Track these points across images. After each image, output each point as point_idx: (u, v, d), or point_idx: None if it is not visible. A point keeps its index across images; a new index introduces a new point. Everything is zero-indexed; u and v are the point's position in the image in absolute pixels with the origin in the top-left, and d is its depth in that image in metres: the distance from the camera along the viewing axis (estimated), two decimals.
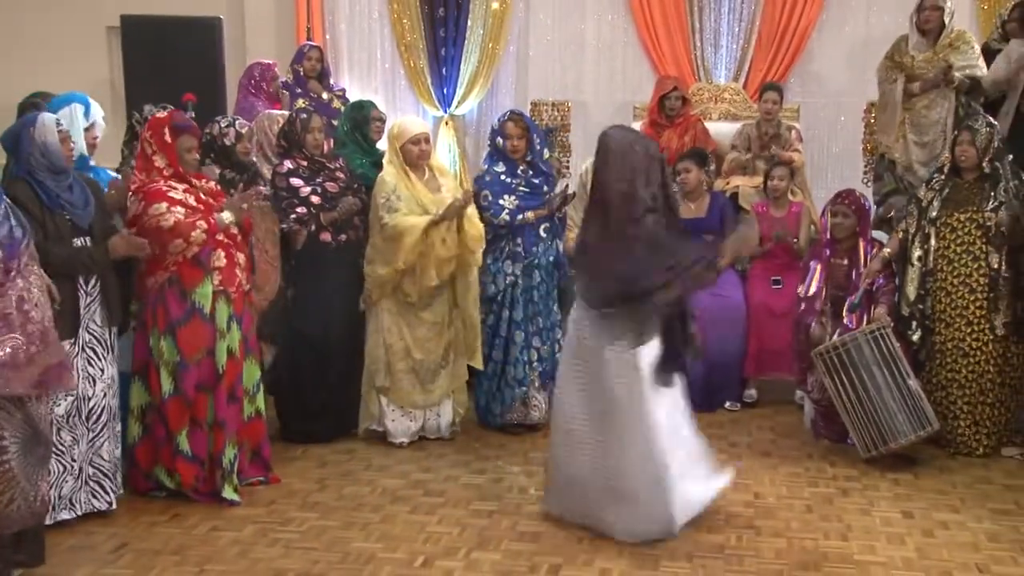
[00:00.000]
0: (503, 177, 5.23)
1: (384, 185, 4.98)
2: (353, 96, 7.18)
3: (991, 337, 4.91)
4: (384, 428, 5.13)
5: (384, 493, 4.50)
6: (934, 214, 5.04)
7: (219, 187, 4.59)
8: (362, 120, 5.54)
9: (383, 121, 5.67)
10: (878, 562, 3.80)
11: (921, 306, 5.02)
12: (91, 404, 4.10)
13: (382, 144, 5.53)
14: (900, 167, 6.09)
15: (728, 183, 6.44)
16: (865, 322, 4.96)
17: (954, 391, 4.97)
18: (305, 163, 5.09)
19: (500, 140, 5.25)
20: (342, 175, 5.19)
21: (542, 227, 5.27)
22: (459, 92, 8.00)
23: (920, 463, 4.81)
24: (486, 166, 5.36)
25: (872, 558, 3.83)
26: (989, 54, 6.10)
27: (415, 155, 5.02)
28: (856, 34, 7.65)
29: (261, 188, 4.82)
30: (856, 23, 7.68)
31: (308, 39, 7.63)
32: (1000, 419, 4.98)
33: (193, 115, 5.16)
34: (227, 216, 4.35)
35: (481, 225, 5.07)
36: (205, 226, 4.26)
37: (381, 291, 5.03)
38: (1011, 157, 5.00)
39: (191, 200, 4.32)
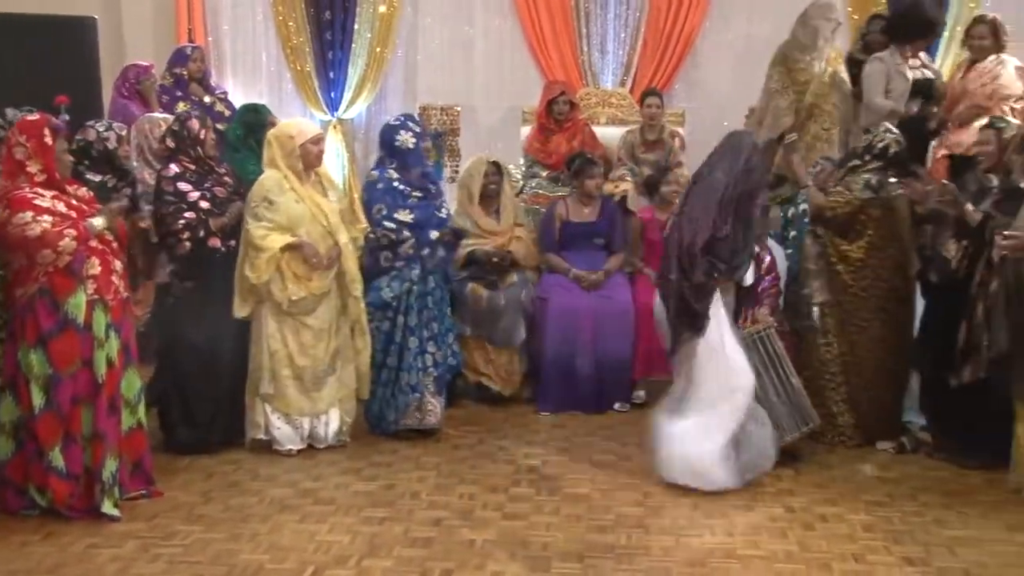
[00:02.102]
0: (395, 184, 5.18)
1: (260, 189, 4.86)
2: (237, 99, 7.04)
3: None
4: (270, 437, 5.03)
5: (272, 503, 4.41)
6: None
7: (92, 193, 4.41)
8: (257, 125, 5.41)
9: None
10: (761, 556, 3.90)
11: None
12: None
13: None
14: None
15: (617, 187, 6.54)
16: (750, 322, 5.08)
17: (829, 383, 5.15)
18: (193, 167, 4.95)
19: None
20: (229, 180, 5.07)
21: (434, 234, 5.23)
22: (347, 96, 7.94)
23: (801, 459, 4.95)
24: (377, 173, 5.30)
25: (755, 552, 3.93)
26: (852, 63, 6.37)
27: (314, 155, 4.94)
28: (738, 40, 7.85)
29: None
30: (738, 29, 7.89)
31: (189, 40, 7.46)
32: (874, 413, 5.14)
33: (67, 118, 4.98)
34: (99, 222, 4.19)
35: (356, 268, 5.01)
36: (74, 233, 4.09)
37: (242, 296, 4.89)
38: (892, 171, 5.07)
39: (60, 207, 4.14)
